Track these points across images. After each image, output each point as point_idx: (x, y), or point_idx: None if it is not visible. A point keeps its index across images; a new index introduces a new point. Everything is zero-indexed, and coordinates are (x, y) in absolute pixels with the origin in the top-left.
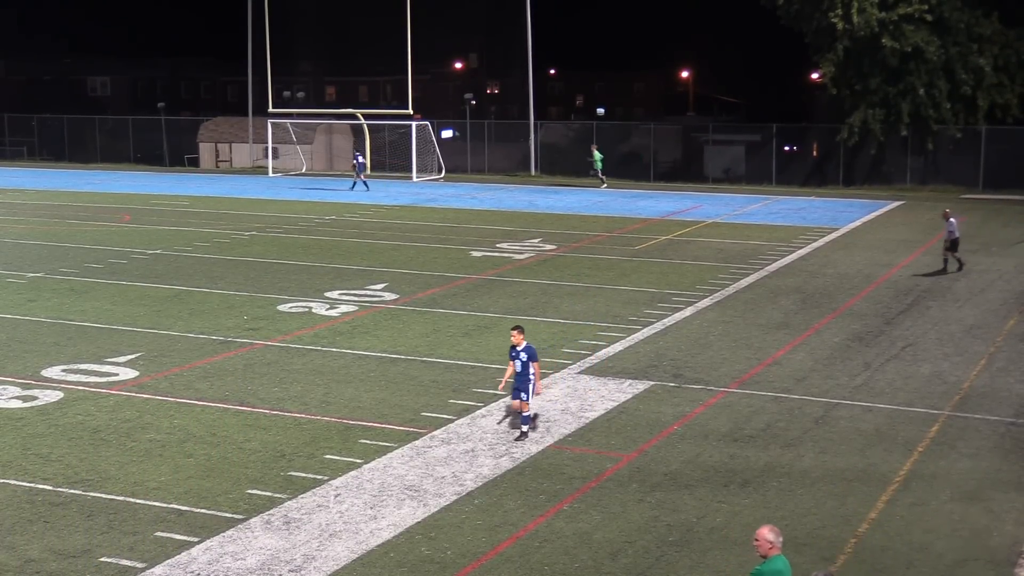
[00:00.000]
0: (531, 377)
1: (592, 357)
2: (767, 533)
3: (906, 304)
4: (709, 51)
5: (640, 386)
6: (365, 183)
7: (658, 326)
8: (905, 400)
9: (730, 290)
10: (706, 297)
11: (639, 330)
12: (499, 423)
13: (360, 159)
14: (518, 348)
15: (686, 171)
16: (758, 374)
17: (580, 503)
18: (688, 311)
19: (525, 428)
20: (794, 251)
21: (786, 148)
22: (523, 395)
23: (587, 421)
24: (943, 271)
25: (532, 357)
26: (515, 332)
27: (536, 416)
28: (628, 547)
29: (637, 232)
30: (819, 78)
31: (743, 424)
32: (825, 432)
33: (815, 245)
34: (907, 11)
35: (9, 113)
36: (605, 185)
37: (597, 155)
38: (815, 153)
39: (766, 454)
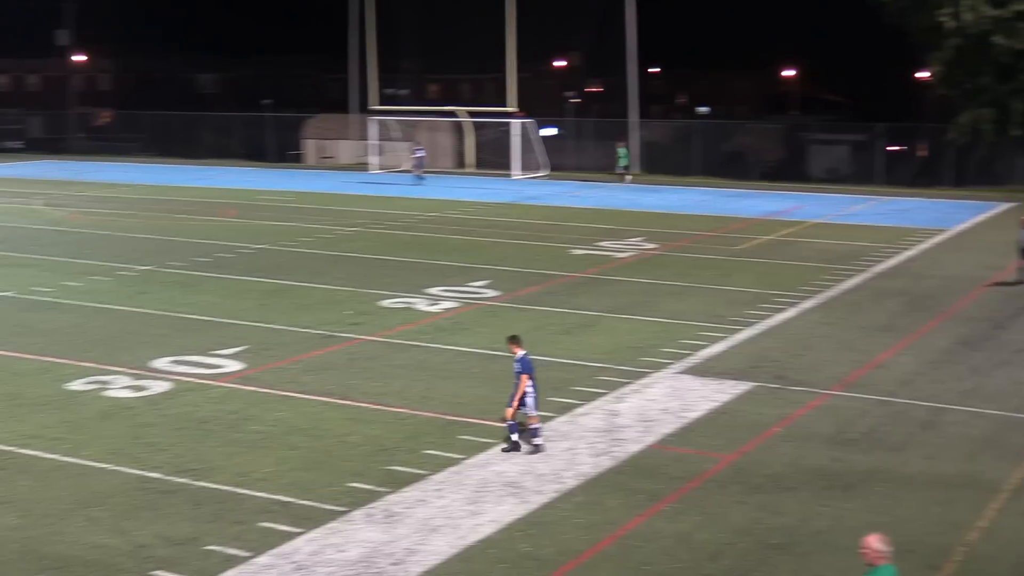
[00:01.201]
0: (516, 389)
1: (693, 357)
2: (875, 542)
3: (1017, 308)
4: (813, 49)
5: (741, 387)
6: (422, 177)
7: (760, 327)
8: (1016, 406)
9: (834, 291)
10: (809, 298)
11: (741, 330)
12: (603, 422)
13: (420, 153)
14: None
15: (789, 170)
16: (862, 377)
17: (680, 503)
18: (791, 312)
19: (538, 441)
20: (900, 252)
21: (892, 148)
22: (527, 407)
23: (688, 421)
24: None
25: (524, 369)
26: (511, 343)
27: (516, 429)
28: (729, 549)
29: (739, 232)
30: (927, 77)
31: (847, 427)
32: (931, 437)
33: (922, 247)
34: (1021, 8)
35: (122, 110)
36: (630, 179)
37: (622, 151)
38: (923, 153)
39: (870, 458)
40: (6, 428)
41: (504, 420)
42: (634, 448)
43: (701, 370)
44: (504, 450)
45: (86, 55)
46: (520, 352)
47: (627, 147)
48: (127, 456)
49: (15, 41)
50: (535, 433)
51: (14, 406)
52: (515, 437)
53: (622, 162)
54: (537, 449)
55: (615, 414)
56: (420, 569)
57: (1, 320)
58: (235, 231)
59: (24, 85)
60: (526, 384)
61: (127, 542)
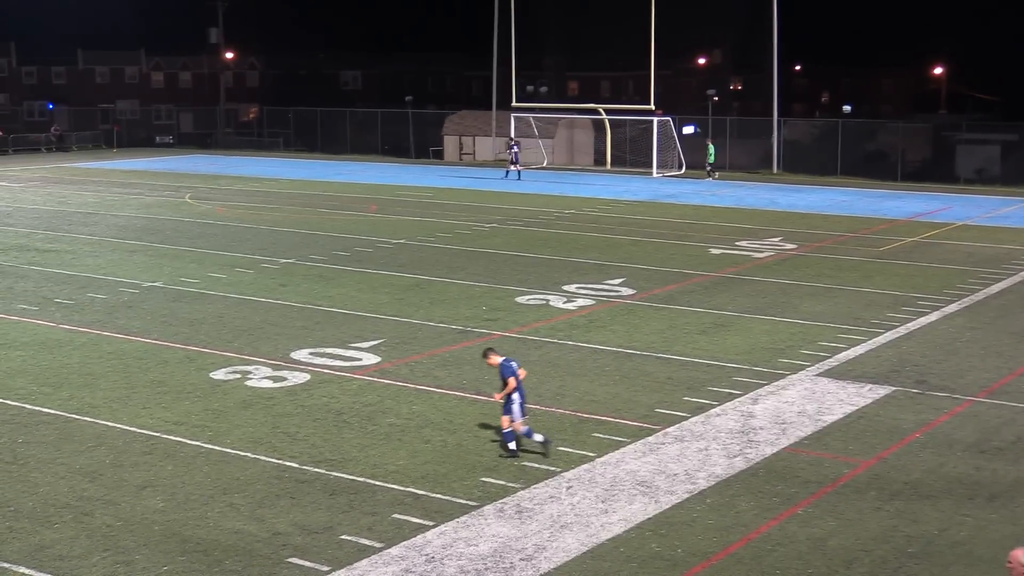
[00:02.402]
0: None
1: (831, 359)
2: (1022, 556)
3: None
4: (964, 46)
5: (881, 391)
6: (519, 172)
7: (901, 330)
8: None
9: (980, 295)
10: (954, 302)
11: (881, 333)
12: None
13: (516, 148)
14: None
15: (935, 171)
16: (1009, 384)
17: (815, 508)
18: (934, 316)
19: (540, 437)
20: None
21: None
22: (512, 413)
23: (824, 425)
24: None
25: (507, 373)
26: (486, 356)
27: (512, 437)
28: (864, 556)
29: (882, 233)
30: None
31: (991, 435)
32: None
33: None
34: None
35: (267, 106)
36: (715, 177)
37: (711, 147)
38: None
39: (1016, 468)
40: (153, 414)
41: (502, 428)
42: (768, 450)
43: (839, 373)
44: (503, 456)
45: (235, 53)
46: (498, 360)
47: (716, 144)
48: (266, 445)
49: (168, 40)
50: (528, 433)
51: (160, 393)
52: (512, 446)
53: (711, 159)
54: (546, 447)
55: (750, 415)
56: (549, 566)
57: (149, 309)
58: (375, 226)
59: (176, 82)
60: (508, 389)
61: (264, 529)
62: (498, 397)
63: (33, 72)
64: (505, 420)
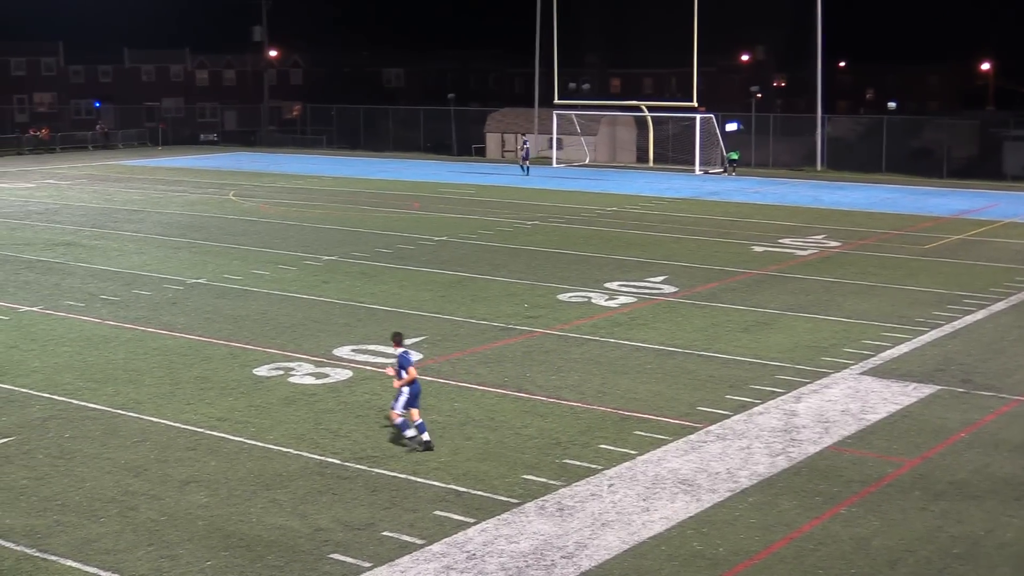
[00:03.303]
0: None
1: (875, 358)
2: None
3: None
4: (1012, 42)
5: (925, 390)
6: (527, 168)
7: (947, 328)
8: None
9: None
10: (1000, 300)
11: (926, 332)
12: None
13: (527, 145)
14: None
15: (982, 168)
16: None
17: (858, 507)
18: (980, 314)
19: (426, 436)
20: None
21: None
22: (395, 404)
23: (868, 423)
24: None
25: (403, 363)
26: (394, 340)
27: (404, 427)
28: (908, 556)
29: (927, 230)
30: None
31: None
32: None
33: None
34: None
35: (311, 104)
36: (729, 174)
37: (734, 154)
38: None
39: None
40: (197, 410)
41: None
42: (811, 449)
43: (883, 371)
44: (413, 449)
45: (278, 51)
46: (400, 350)
47: (738, 152)
48: (308, 441)
49: (213, 39)
50: (402, 427)
51: (204, 389)
52: (417, 434)
53: (732, 156)
54: (410, 442)
55: (793, 414)
56: (590, 563)
57: (193, 306)
58: (417, 223)
59: (220, 80)
60: (408, 378)
61: (306, 525)
62: (397, 384)
63: (80, 71)
64: (394, 414)
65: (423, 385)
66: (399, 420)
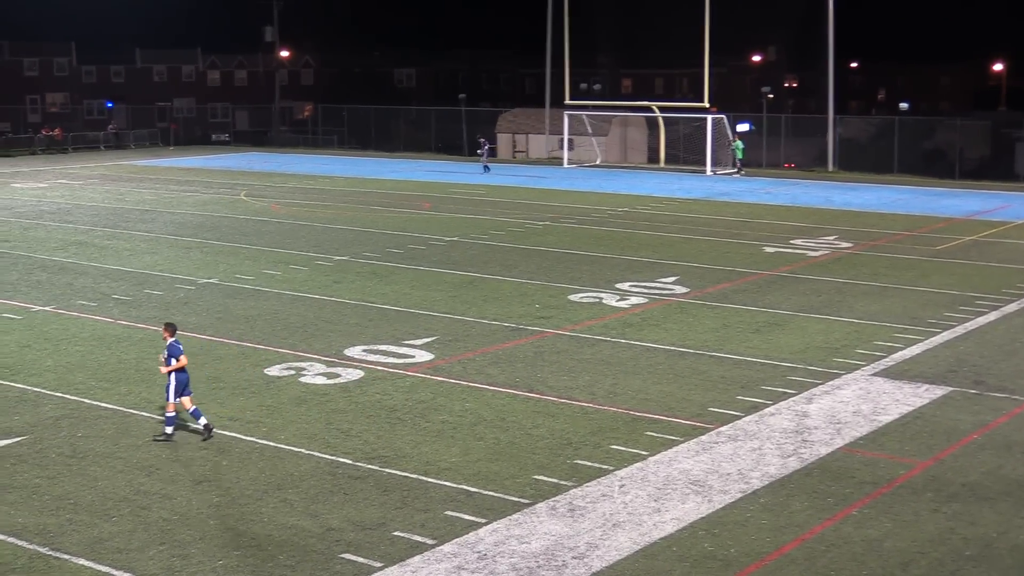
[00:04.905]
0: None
1: (887, 359)
2: None
3: None
4: None
5: (938, 391)
6: (486, 168)
7: (959, 330)
8: None
9: None
10: (1013, 302)
11: (938, 333)
12: (796, 422)
13: (487, 147)
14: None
15: (994, 169)
16: None
17: (870, 509)
18: (993, 315)
19: (203, 421)
20: None
21: None
22: (168, 394)
23: (880, 425)
24: None
25: (171, 353)
26: (165, 330)
27: (173, 422)
28: (920, 558)
29: (939, 232)
30: None
31: None
32: None
33: None
34: None
35: (322, 104)
36: (741, 174)
37: (738, 144)
38: None
39: None
40: (208, 410)
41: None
42: (823, 450)
43: (895, 373)
44: (157, 439)
45: (290, 51)
46: (170, 339)
47: (743, 141)
48: (320, 441)
49: (224, 39)
50: (169, 421)
51: (216, 389)
52: (170, 430)
53: (738, 155)
54: (169, 438)
55: (804, 415)
56: (602, 564)
57: (205, 306)
58: (428, 223)
59: (232, 80)
60: (178, 365)
61: (318, 524)
62: (164, 370)
63: (92, 71)
64: (170, 405)
65: (435, 385)
66: (171, 413)
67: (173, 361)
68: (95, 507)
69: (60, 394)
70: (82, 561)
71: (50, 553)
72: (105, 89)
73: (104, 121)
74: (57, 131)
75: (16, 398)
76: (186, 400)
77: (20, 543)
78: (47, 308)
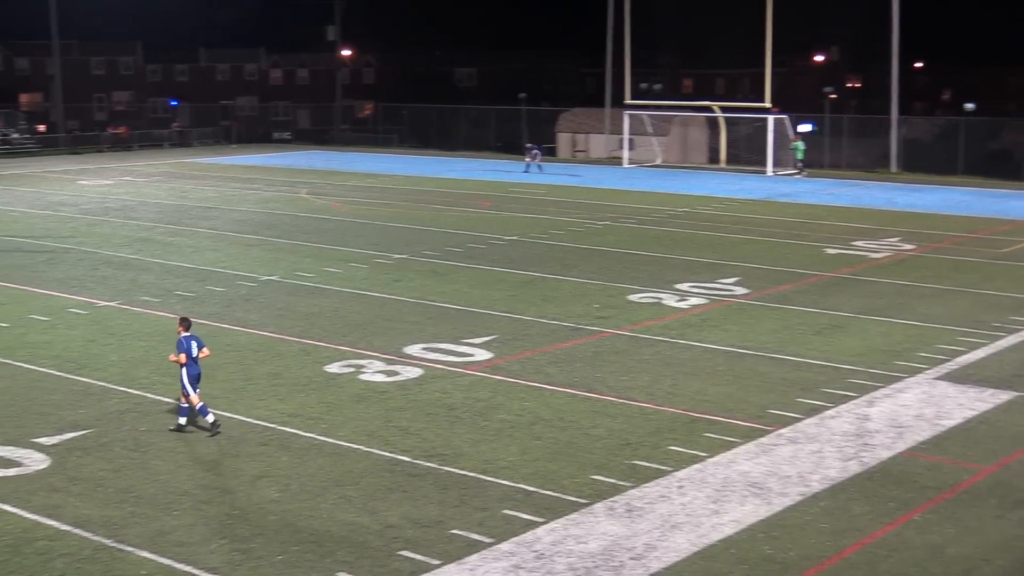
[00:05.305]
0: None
1: (951, 363)
2: None
3: None
4: None
5: (1003, 396)
6: (540, 166)
7: None
8: None
9: None
10: None
11: (1003, 337)
12: (855, 425)
13: (536, 151)
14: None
15: None
16: None
17: (932, 514)
18: None
19: (210, 418)
20: None
21: None
22: (185, 390)
23: (943, 429)
24: None
25: (179, 349)
26: (180, 325)
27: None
28: (984, 565)
29: (1005, 234)
30: None
31: None
32: None
33: None
34: None
35: (383, 103)
36: (802, 174)
37: (799, 144)
38: None
39: None
40: (269, 406)
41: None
42: (884, 454)
43: (959, 377)
44: (171, 430)
45: (352, 50)
46: (183, 334)
47: (804, 140)
48: (379, 438)
49: (287, 38)
50: (183, 412)
51: (276, 385)
52: (182, 420)
53: (798, 155)
54: (182, 429)
55: (866, 418)
56: (659, 565)
57: (266, 303)
58: (488, 222)
59: (294, 79)
60: (178, 360)
61: (376, 521)
62: (172, 358)
63: (157, 70)
64: (186, 398)
65: (494, 384)
66: (199, 404)
67: (193, 353)
68: (157, 500)
69: (124, 388)
70: (145, 553)
71: (114, 545)
72: (169, 88)
73: (168, 119)
74: (123, 129)
75: (82, 392)
76: (194, 396)
77: (86, 534)
78: (112, 303)
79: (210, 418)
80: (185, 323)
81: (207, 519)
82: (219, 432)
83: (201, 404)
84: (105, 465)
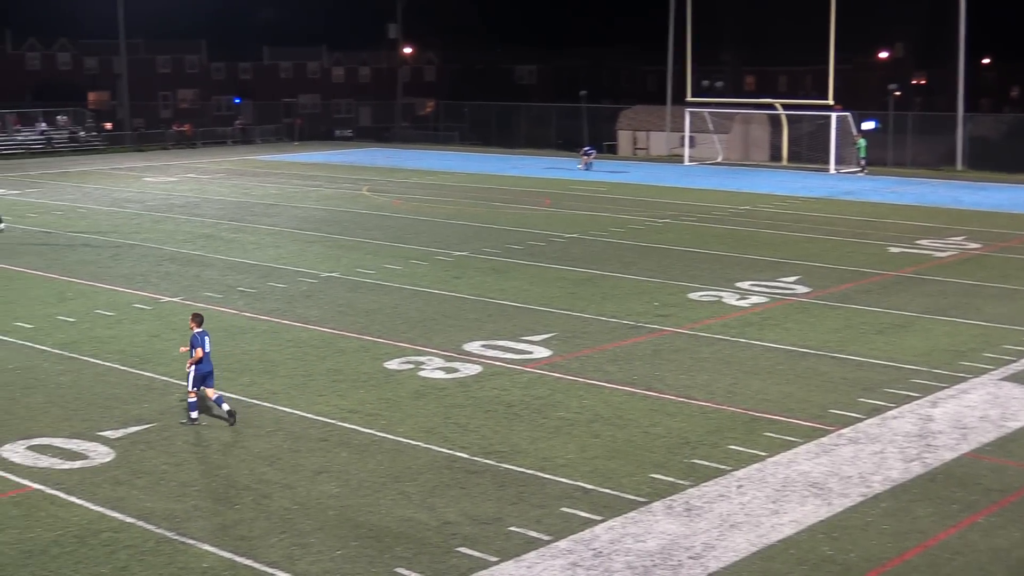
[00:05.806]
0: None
1: (1017, 363)
2: None
3: None
4: None
5: None
6: (584, 166)
7: None
8: None
9: None
10: None
11: None
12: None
13: (591, 152)
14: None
15: None
16: None
17: (997, 517)
18: None
19: (226, 407)
20: None
21: None
22: (189, 382)
23: (1009, 431)
24: None
25: (193, 344)
26: (192, 320)
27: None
28: None
29: None
30: None
31: None
32: None
33: None
34: None
35: (444, 100)
36: (864, 172)
37: (861, 142)
38: None
39: None
40: (329, 402)
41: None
42: (948, 456)
43: None
44: (183, 424)
45: (413, 48)
46: (197, 329)
47: (866, 139)
48: (438, 435)
49: (349, 36)
50: (192, 407)
51: (336, 381)
52: (194, 415)
53: (861, 153)
54: (193, 422)
55: (929, 419)
56: (718, 565)
57: (327, 299)
58: (548, 220)
59: (356, 77)
60: (199, 355)
61: (434, 518)
62: (188, 357)
63: (222, 68)
64: (200, 393)
65: (553, 381)
66: (215, 396)
67: (194, 353)
68: (219, 494)
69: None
70: (206, 547)
71: (176, 538)
72: (233, 86)
73: (231, 117)
74: (187, 127)
75: (145, 386)
76: (209, 391)
77: (148, 527)
78: (175, 299)
79: (225, 407)
80: (197, 319)
81: (268, 513)
82: (235, 422)
83: (217, 395)
84: (168, 459)
